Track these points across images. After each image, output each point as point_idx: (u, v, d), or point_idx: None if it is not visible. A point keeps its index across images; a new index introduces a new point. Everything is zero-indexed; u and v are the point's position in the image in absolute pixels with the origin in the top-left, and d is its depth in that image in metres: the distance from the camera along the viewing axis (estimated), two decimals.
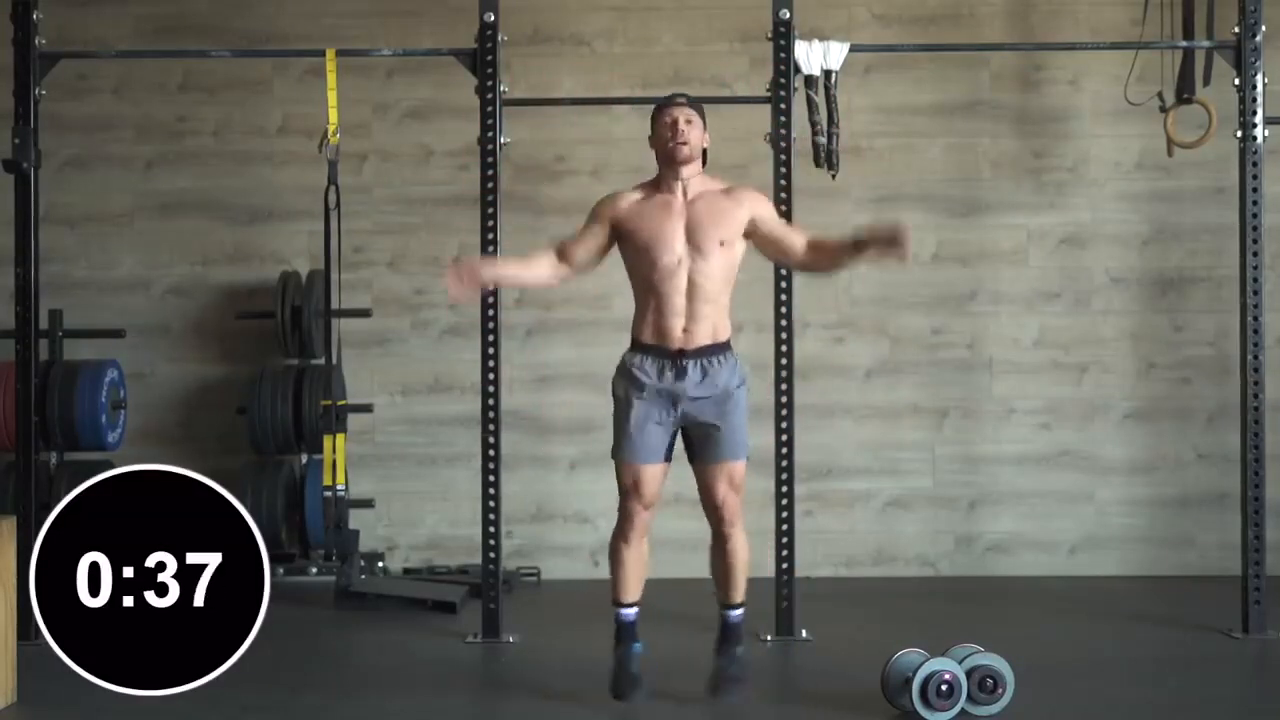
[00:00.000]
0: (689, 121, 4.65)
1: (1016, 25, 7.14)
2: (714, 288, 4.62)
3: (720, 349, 4.65)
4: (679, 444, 4.76)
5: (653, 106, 4.82)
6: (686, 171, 4.66)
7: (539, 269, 4.77)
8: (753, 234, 4.70)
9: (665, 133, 4.66)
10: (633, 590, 4.76)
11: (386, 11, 7.12)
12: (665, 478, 4.72)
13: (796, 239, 4.73)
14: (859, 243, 4.57)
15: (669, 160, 4.66)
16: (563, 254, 4.75)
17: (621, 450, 4.68)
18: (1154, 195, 7.12)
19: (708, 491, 4.70)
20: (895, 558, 7.12)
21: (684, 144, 4.63)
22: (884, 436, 7.14)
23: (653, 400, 4.63)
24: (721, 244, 4.61)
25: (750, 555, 4.81)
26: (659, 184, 4.71)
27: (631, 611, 4.78)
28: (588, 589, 6.63)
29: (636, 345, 4.68)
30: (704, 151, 4.73)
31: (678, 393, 4.61)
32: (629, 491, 4.68)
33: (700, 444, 4.69)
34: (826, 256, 4.72)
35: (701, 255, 4.60)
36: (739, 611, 4.81)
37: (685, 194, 4.66)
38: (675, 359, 4.61)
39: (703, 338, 4.62)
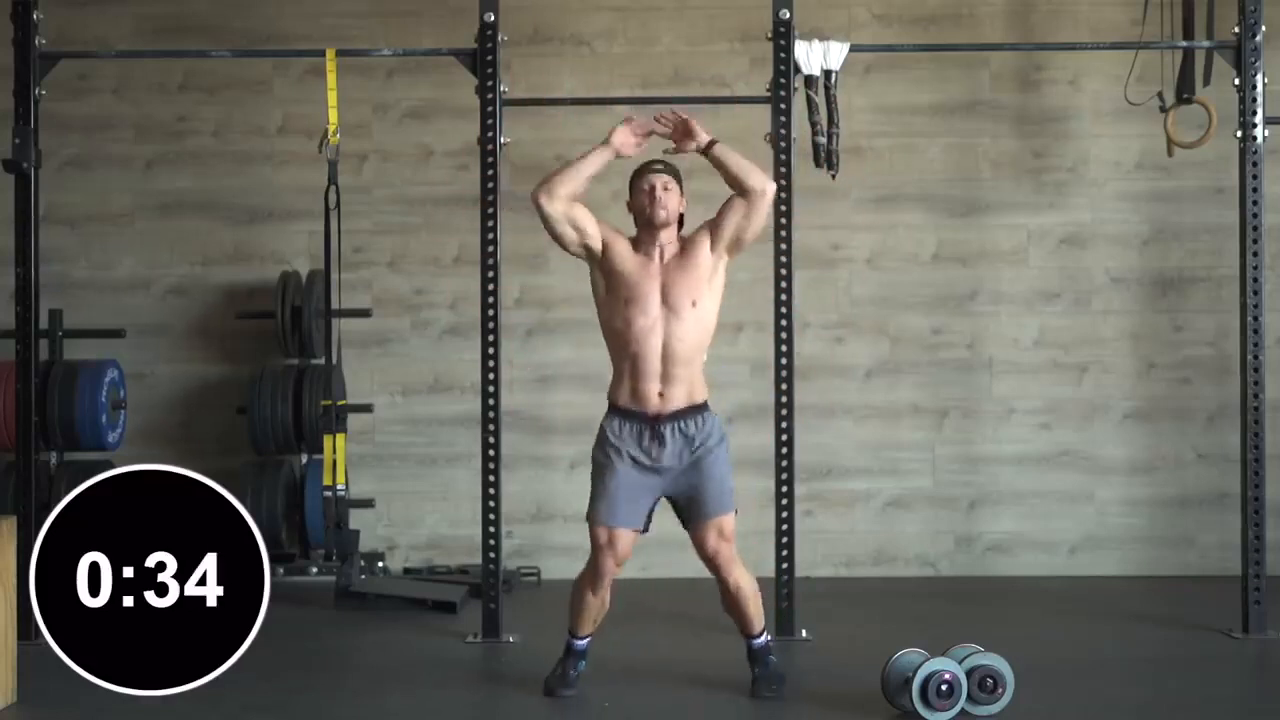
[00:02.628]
0: (666, 188, 4.73)
1: (1016, 25, 7.14)
2: (687, 351, 4.69)
3: (697, 410, 4.72)
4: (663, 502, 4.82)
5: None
6: (663, 236, 4.74)
7: (585, 182, 4.83)
8: (722, 240, 4.74)
9: (643, 199, 4.75)
10: (588, 628, 4.89)
11: (386, 11, 7.12)
12: (636, 543, 4.80)
13: (732, 204, 4.75)
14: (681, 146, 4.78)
15: (647, 224, 4.75)
16: (578, 204, 4.78)
17: (598, 512, 4.76)
18: (1154, 195, 7.12)
19: (700, 547, 4.78)
20: (895, 558, 7.12)
21: (661, 209, 4.71)
22: (884, 436, 7.14)
23: (632, 471, 4.70)
24: (694, 304, 4.69)
25: (755, 585, 4.87)
26: (637, 244, 4.79)
27: (583, 642, 4.90)
28: None
29: (614, 410, 4.75)
30: (680, 217, 4.81)
31: (658, 468, 4.69)
32: (601, 549, 4.76)
33: (686, 507, 4.77)
34: (729, 180, 4.75)
35: (676, 317, 4.68)
36: (761, 640, 4.90)
37: (662, 258, 4.74)
38: (653, 424, 4.68)
39: (678, 400, 4.69)
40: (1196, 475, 7.07)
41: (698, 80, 7.08)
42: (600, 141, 4.85)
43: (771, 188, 4.77)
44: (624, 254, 4.75)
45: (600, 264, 4.77)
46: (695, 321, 4.70)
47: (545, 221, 4.77)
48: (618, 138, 4.82)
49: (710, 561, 4.78)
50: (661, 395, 4.68)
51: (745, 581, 4.82)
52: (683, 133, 4.80)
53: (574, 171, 4.79)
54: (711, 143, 4.75)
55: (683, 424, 4.69)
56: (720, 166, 4.75)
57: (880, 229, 7.14)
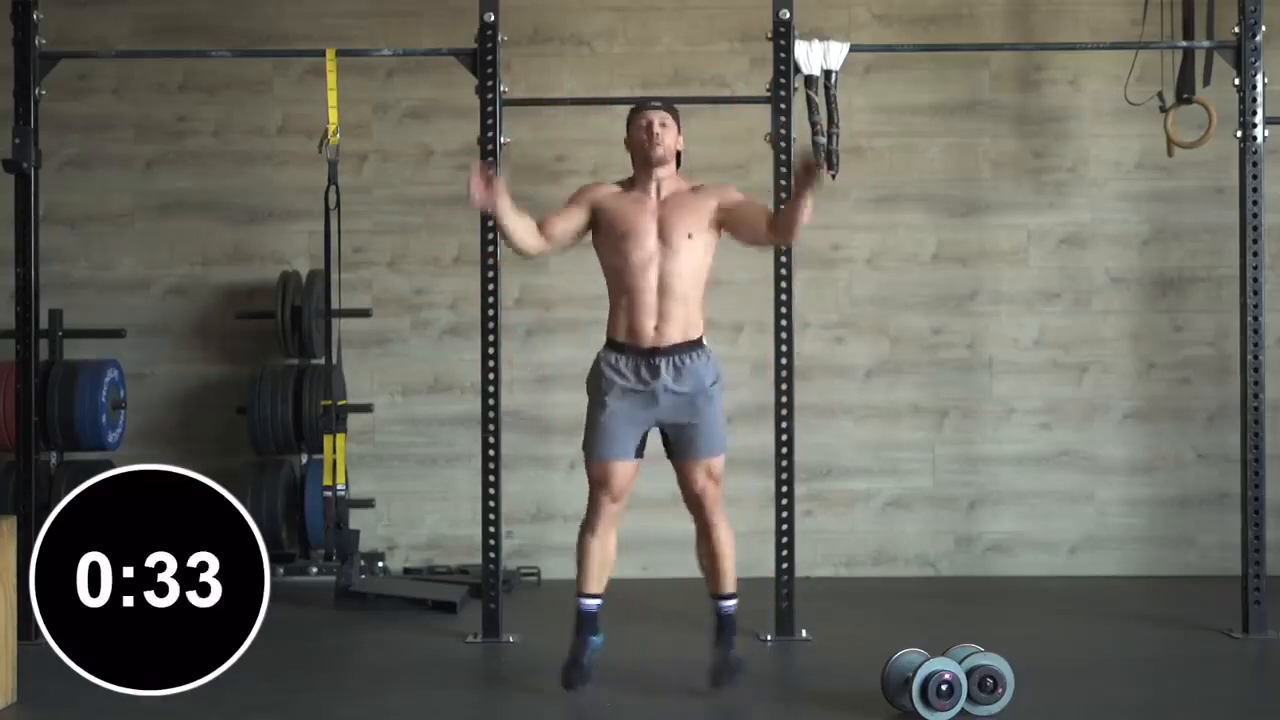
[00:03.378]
0: (663, 124, 4.79)
1: (1016, 25, 7.14)
2: (684, 286, 4.72)
3: (693, 346, 4.75)
4: (655, 442, 4.84)
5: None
6: (660, 172, 4.79)
7: (525, 227, 4.73)
8: (725, 222, 4.80)
9: (640, 134, 4.80)
10: (597, 582, 4.85)
11: (386, 11, 7.12)
12: (636, 474, 4.82)
13: (762, 215, 4.81)
14: (797, 190, 4.58)
15: (644, 161, 4.80)
16: (543, 226, 4.80)
17: (592, 445, 4.80)
18: (1154, 195, 7.12)
19: (687, 485, 4.81)
20: (895, 558, 7.12)
21: (658, 145, 4.76)
22: (884, 436, 7.14)
23: (626, 399, 4.73)
24: (690, 237, 4.72)
25: (734, 544, 4.88)
26: (634, 183, 4.85)
27: (594, 603, 4.86)
28: None
29: (611, 344, 4.80)
30: (678, 155, 4.87)
31: (652, 392, 4.71)
32: (599, 485, 4.80)
33: (677, 442, 4.79)
34: (786, 215, 4.72)
35: (672, 251, 4.71)
36: (731, 603, 4.89)
37: (659, 194, 4.79)
38: (648, 357, 4.71)
39: (675, 336, 4.72)
40: (1196, 475, 7.07)
41: (698, 80, 7.08)
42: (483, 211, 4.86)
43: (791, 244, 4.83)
44: (614, 200, 4.80)
45: (597, 227, 4.82)
46: (691, 255, 4.72)
47: (555, 253, 4.94)
48: (473, 197, 4.59)
49: (696, 500, 4.79)
50: (657, 330, 4.71)
51: (726, 532, 4.84)
52: (808, 171, 4.54)
53: (508, 232, 4.70)
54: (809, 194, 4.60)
55: (678, 358, 4.72)
56: (792, 212, 4.62)
57: (880, 229, 7.14)
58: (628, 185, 4.86)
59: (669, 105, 4.88)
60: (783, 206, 4.85)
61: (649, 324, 4.71)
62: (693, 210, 4.76)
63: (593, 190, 4.87)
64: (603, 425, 4.76)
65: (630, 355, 4.73)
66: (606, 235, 4.79)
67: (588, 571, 4.84)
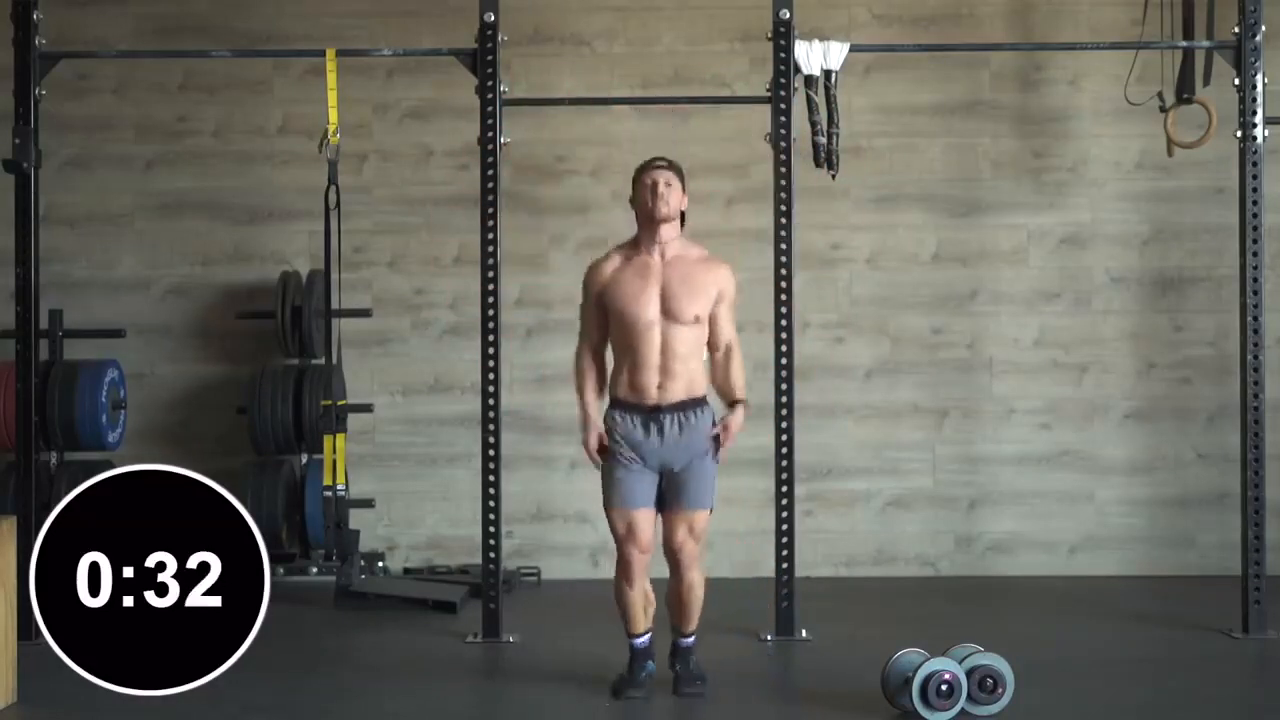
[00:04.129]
0: (668, 184, 4.81)
1: (1016, 25, 7.14)
2: (687, 349, 4.78)
3: (696, 404, 4.78)
4: None
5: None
6: (665, 233, 4.81)
7: (602, 379, 4.90)
8: (709, 315, 4.84)
9: (646, 194, 4.82)
10: (641, 623, 4.89)
11: (386, 11, 7.12)
12: (655, 522, 4.82)
13: (723, 340, 4.86)
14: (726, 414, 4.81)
15: (648, 220, 4.82)
16: (597, 352, 4.90)
17: (612, 498, 4.81)
18: (1154, 195, 7.12)
19: (668, 536, 4.82)
20: (895, 558, 7.12)
21: (663, 205, 4.78)
22: (884, 436, 7.14)
23: (635, 452, 4.75)
24: (695, 319, 4.77)
25: (703, 591, 4.91)
26: (638, 244, 4.86)
27: (643, 640, 4.89)
28: (588, 589, 6.63)
29: (615, 403, 4.82)
30: (682, 215, 4.88)
31: (655, 448, 4.74)
32: (623, 539, 4.80)
33: (668, 491, 4.81)
34: (718, 384, 4.90)
35: (676, 321, 4.76)
36: (690, 639, 4.94)
37: (663, 256, 4.81)
38: (653, 414, 4.75)
39: (678, 394, 4.76)
40: (1196, 475, 7.07)
41: (698, 80, 7.07)
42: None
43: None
44: (617, 277, 4.82)
45: (604, 304, 4.85)
46: (694, 328, 4.78)
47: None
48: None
49: (674, 555, 4.82)
50: (660, 388, 4.74)
51: (698, 583, 4.88)
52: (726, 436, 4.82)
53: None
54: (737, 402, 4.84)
55: (682, 415, 4.75)
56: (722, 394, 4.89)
57: (880, 229, 7.14)
58: (631, 248, 4.87)
59: (673, 164, 4.88)
60: (725, 386, 4.90)
61: (652, 383, 4.74)
62: (702, 292, 4.78)
63: (596, 277, 4.86)
64: (618, 479, 4.78)
65: (634, 414, 4.76)
66: (612, 310, 4.81)
67: (632, 617, 4.88)
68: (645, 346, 4.73)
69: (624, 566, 4.81)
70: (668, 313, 4.74)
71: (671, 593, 4.89)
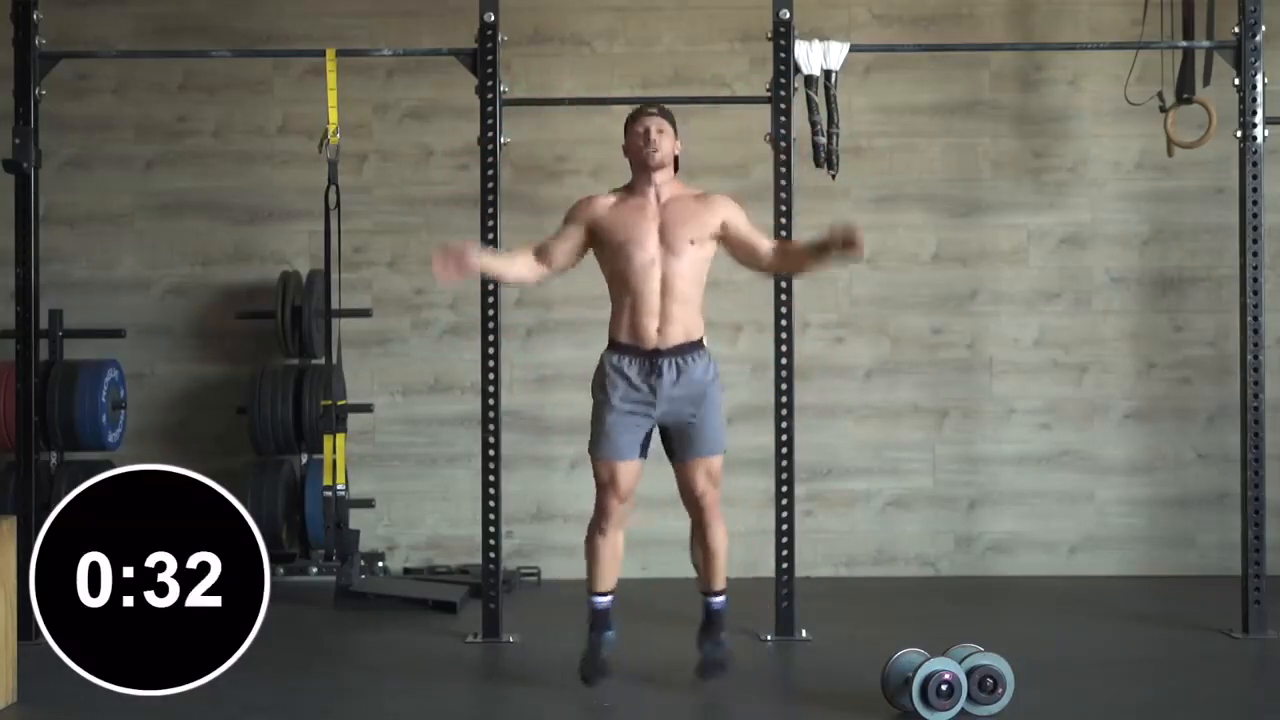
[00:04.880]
0: (660, 131, 4.83)
1: (1016, 25, 7.14)
2: (686, 287, 4.77)
3: (694, 347, 4.80)
4: (658, 442, 4.88)
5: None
6: (659, 177, 4.84)
7: (520, 267, 4.92)
8: (724, 237, 4.86)
9: (638, 141, 4.84)
10: (607, 580, 4.91)
11: (386, 11, 7.12)
12: (640, 473, 4.86)
13: (764, 243, 4.90)
14: (820, 245, 4.70)
15: (642, 166, 4.85)
16: (541, 253, 4.91)
17: (598, 446, 4.83)
18: (1154, 195, 7.12)
19: (687, 486, 4.85)
20: (895, 558, 7.12)
21: (656, 151, 4.80)
22: (884, 436, 7.14)
23: (629, 399, 4.77)
24: (692, 242, 4.78)
25: (728, 544, 4.94)
26: (633, 189, 4.88)
27: (605, 599, 4.92)
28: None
29: (613, 345, 4.84)
30: (676, 159, 4.90)
31: (654, 393, 4.75)
32: (605, 486, 4.83)
33: (678, 441, 4.83)
34: (793, 258, 4.93)
35: (674, 254, 4.76)
36: (721, 599, 4.95)
37: (658, 198, 4.83)
38: (651, 358, 4.76)
39: (676, 337, 4.77)
40: (1196, 475, 7.07)
41: (698, 80, 7.08)
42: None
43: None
44: (611, 210, 4.84)
45: (597, 241, 4.86)
46: (693, 259, 4.78)
47: (556, 276, 5.00)
48: (439, 275, 4.70)
49: (695, 502, 4.84)
50: (659, 331, 4.76)
51: (722, 533, 4.90)
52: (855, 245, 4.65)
53: (503, 276, 5.02)
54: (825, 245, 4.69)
55: (680, 359, 4.76)
56: (798, 260, 4.90)
57: (880, 229, 7.13)
58: (626, 191, 4.89)
59: (665, 110, 4.90)
60: (799, 243, 4.89)
61: (651, 325, 4.76)
62: (697, 218, 4.81)
63: (588, 206, 4.88)
64: (608, 427, 4.80)
65: (633, 356, 4.77)
66: (607, 245, 4.82)
67: (598, 571, 4.90)
68: (644, 287, 4.74)
69: (600, 514, 4.84)
70: (666, 245, 4.75)
71: (699, 546, 4.92)
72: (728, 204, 4.88)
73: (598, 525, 4.87)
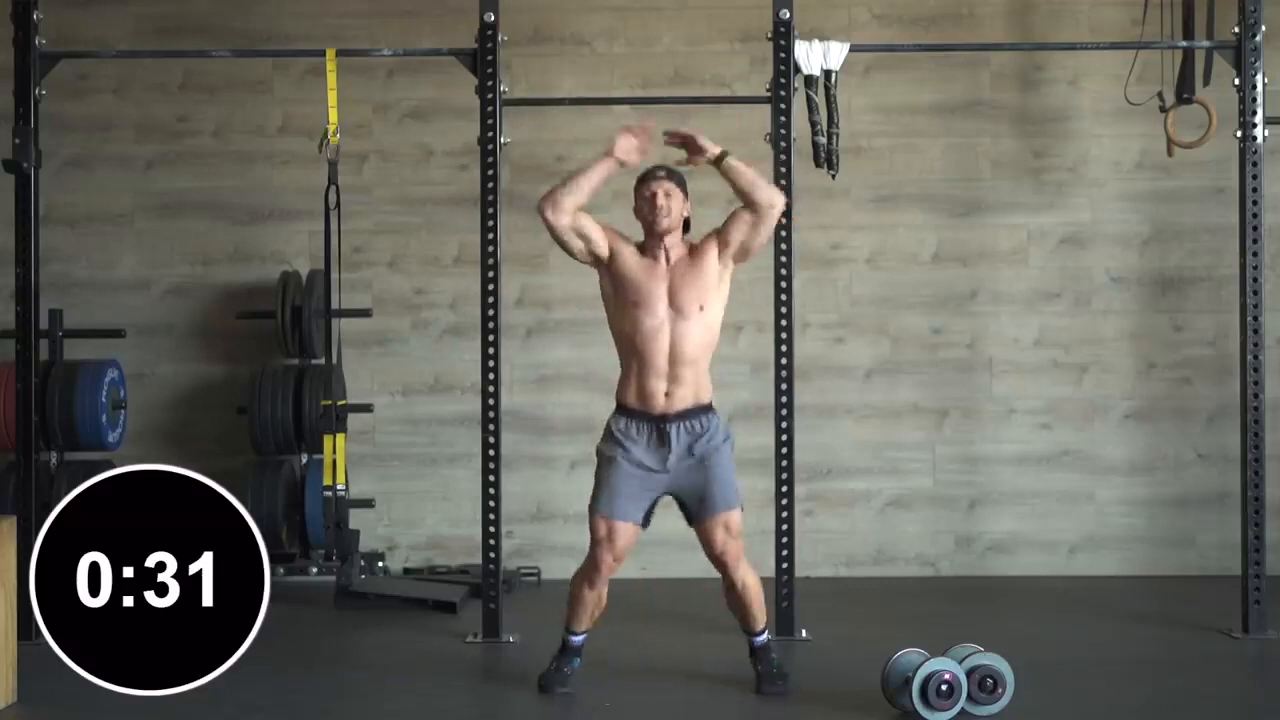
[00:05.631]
0: (669, 194, 4.80)
1: (1016, 25, 7.14)
2: (694, 350, 4.76)
3: (702, 411, 4.79)
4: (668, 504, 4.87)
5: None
6: (668, 241, 4.82)
7: (585, 197, 4.78)
8: (731, 251, 4.81)
9: (646, 206, 4.81)
10: (585, 622, 4.93)
11: (386, 11, 7.12)
12: (637, 539, 4.85)
13: (738, 212, 4.82)
14: (711, 163, 4.77)
15: (651, 231, 4.82)
16: (581, 212, 4.80)
17: (599, 503, 4.82)
18: (1154, 195, 7.12)
19: (708, 544, 4.84)
20: (895, 558, 7.12)
21: (665, 216, 4.78)
22: (884, 436, 7.14)
23: (638, 469, 4.76)
24: (701, 309, 4.77)
25: (759, 583, 4.94)
26: (644, 249, 4.86)
27: (581, 637, 4.94)
28: None
29: (621, 409, 4.82)
30: (687, 220, 4.87)
31: (663, 464, 4.75)
32: (600, 543, 4.81)
33: (693, 505, 4.83)
34: (739, 193, 4.81)
35: (683, 318, 4.76)
36: (763, 637, 4.96)
37: (668, 260, 4.81)
38: (659, 424, 4.74)
39: (685, 401, 4.76)
40: (1196, 475, 7.07)
41: (698, 80, 7.07)
42: (602, 152, 4.82)
43: (781, 201, 4.88)
44: (631, 259, 4.82)
45: (608, 269, 4.84)
46: (701, 325, 4.77)
47: (552, 234, 4.81)
48: (620, 147, 4.80)
49: (718, 559, 4.84)
50: (668, 395, 4.75)
51: (751, 579, 4.89)
52: (693, 149, 4.80)
53: (577, 184, 4.78)
54: (722, 155, 4.78)
55: (688, 424, 4.75)
56: (730, 179, 4.80)
57: (880, 229, 7.14)
58: (641, 248, 4.86)
59: (674, 172, 4.85)
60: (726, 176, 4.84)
61: (659, 389, 4.75)
62: (700, 279, 4.78)
63: (620, 238, 4.86)
64: (613, 486, 4.78)
65: (640, 421, 4.76)
66: (619, 298, 4.81)
67: (581, 613, 4.90)
68: (653, 350, 4.73)
69: (592, 568, 4.83)
70: (675, 309, 4.74)
71: (730, 598, 4.92)
72: (708, 236, 4.84)
73: (588, 577, 4.86)
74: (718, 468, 4.77)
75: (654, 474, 4.75)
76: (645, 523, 4.83)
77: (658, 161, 4.90)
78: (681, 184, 4.84)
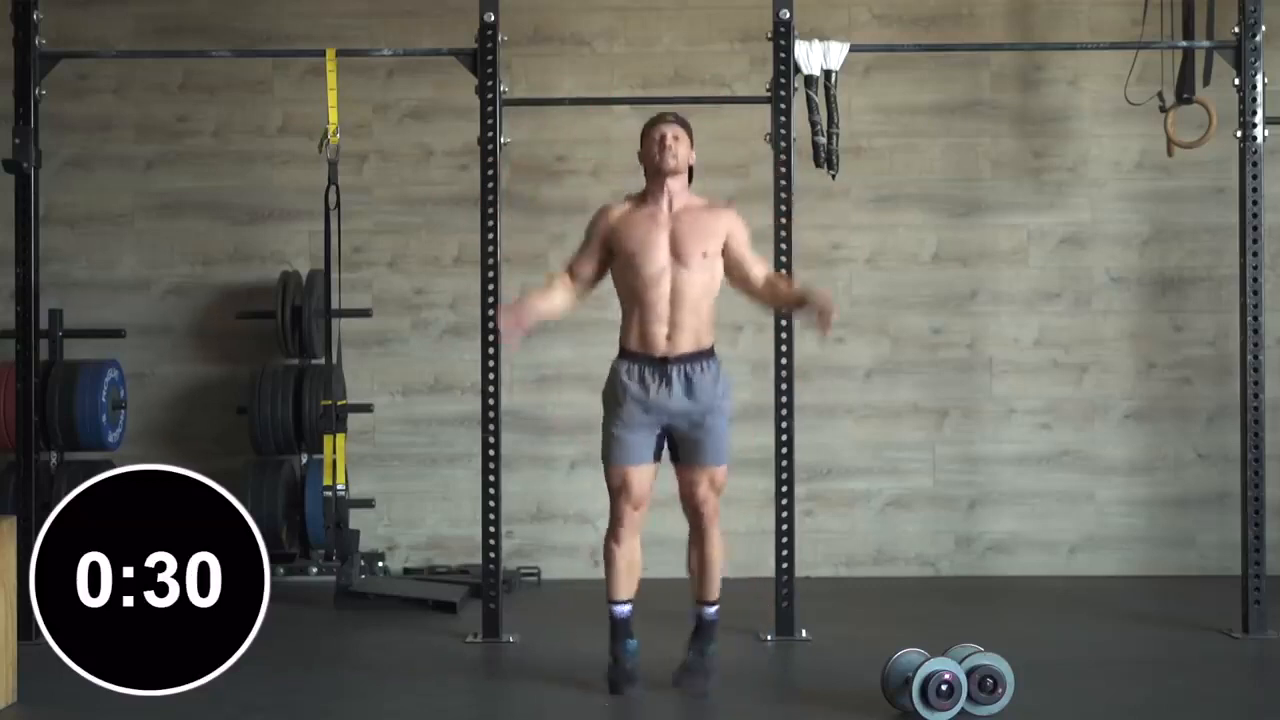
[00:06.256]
0: (676, 137, 4.86)
1: (1016, 25, 7.14)
2: (696, 296, 4.80)
3: (704, 356, 4.81)
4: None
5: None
6: (673, 184, 4.86)
7: (560, 298, 4.93)
8: (724, 252, 4.87)
9: (654, 147, 4.86)
10: (625, 588, 4.91)
11: (386, 11, 7.12)
12: (654, 478, 4.87)
13: (757, 270, 4.91)
14: (802, 300, 4.80)
15: (656, 173, 4.86)
16: (573, 275, 4.94)
17: (610, 453, 4.84)
18: (1154, 195, 7.12)
19: (689, 492, 4.87)
20: (895, 558, 7.12)
21: (671, 157, 4.82)
22: (884, 436, 7.14)
23: (639, 406, 4.78)
24: (704, 255, 4.81)
25: (726, 555, 4.96)
26: (646, 196, 4.90)
27: (625, 608, 4.91)
28: (588, 589, 6.60)
29: (624, 353, 4.85)
30: (690, 170, 4.93)
31: (663, 401, 4.77)
32: (618, 492, 4.84)
33: (683, 447, 4.85)
34: (779, 298, 4.95)
35: (684, 265, 4.79)
36: (713, 609, 4.97)
37: (671, 206, 4.85)
38: (660, 366, 4.77)
39: (686, 345, 4.78)
40: (1196, 475, 7.07)
41: (698, 80, 7.07)
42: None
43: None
44: (625, 220, 4.87)
45: (612, 246, 4.88)
46: (705, 271, 4.81)
47: (589, 292, 4.99)
48: (503, 328, 4.82)
49: (696, 509, 4.86)
50: (669, 339, 4.78)
51: (718, 543, 4.92)
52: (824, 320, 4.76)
53: (556, 314, 5.00)
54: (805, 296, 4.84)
55: (689, 367, 4.78)
56: (783, 301, 4.95)
57: (880, 229, 7.14)
58: (639, 199, 4.91)
59: (681, 118, 4.93)
60: (790, 287, 4.94)
61: (661, 333, 4.78)
62: (708, 229, 4.83)
63: (604, 218, 4.90)
64: (619, 433, 4.81)
65: (642, 364, 4.79)
66: (619, 254, 4.86)
67: (616, 578, 4.90)
68: (654, 295, 4.77)
69: (616, 521, 4.85)
70: (677, 256, 4.77)
71: (695, 555, 4.93)
72: (733, 218, 4.90)
73: (613, 533, 4.88)
74: (714, 420, 4.81)
75: (655, 410, 4.76)
76: (656, 457, 4.85)
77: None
78: (688, 130, 4.90)
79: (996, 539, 7.13)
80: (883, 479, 7.14)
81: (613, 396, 4.84)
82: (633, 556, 4.89)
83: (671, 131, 4.85)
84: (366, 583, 6.53)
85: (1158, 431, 7.11)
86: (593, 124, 7.01)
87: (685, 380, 4.76)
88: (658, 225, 4.81)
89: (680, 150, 4.84)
